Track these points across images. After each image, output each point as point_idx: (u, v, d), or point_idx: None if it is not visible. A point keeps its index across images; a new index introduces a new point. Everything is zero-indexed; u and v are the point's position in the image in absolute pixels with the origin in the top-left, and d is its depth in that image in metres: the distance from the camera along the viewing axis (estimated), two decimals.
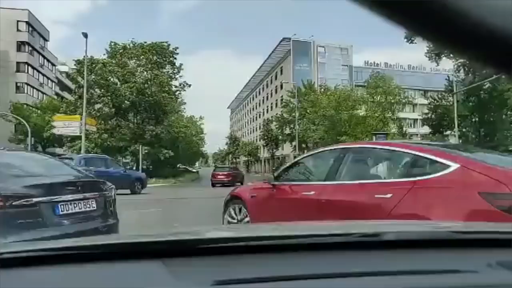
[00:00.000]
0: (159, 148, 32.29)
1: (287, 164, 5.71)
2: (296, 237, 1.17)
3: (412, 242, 1.09)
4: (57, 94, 55.38)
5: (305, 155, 5.94)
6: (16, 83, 49.58)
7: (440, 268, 0.94)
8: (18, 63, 49.94)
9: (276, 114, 58.43)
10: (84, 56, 26.17)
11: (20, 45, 50.25)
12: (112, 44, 33.54)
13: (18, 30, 50.13)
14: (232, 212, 5.49)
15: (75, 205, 3.79)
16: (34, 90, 51.71)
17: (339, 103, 39.03)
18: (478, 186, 3.08)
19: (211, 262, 0.96)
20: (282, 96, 59.83)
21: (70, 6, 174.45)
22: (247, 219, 5.21)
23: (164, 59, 34.96)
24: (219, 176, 27.55)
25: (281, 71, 67.77)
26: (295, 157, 47.63)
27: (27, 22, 50.63)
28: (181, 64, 35.61)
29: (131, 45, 33.89)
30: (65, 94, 50.16)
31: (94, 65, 31.00)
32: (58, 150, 43.37)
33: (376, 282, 0.89)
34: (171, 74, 35.06)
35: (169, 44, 34.84)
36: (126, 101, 31.39)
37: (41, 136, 39.11)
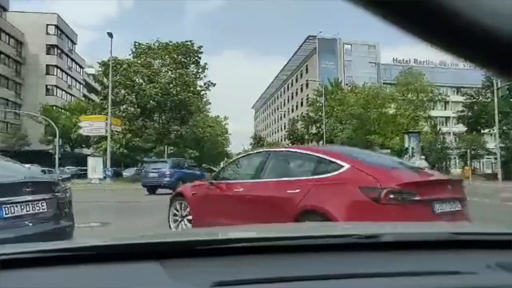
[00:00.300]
0: (184, 148, 31.99)
1: (223, 165, 6.67)
2: (295, 239, 1.16)
3: (411, 243, 1.09)
4: (84, 96, 56.26)
5: (237, 157, 6.69)
6: (46, 85, 50.64)
7: (439, 270, 0.95)
8: (47, 65, 50.99)
9: (302, 113, 57.46)
10: (109, 57, 26.08)
11: (49, 48, 51.30)
12: (137, 44, 33.48)
13: (47, 33, 51.19)
14: (178, 207, 6.12)
15: (23, 207, 3.63)
16: (63, 92, 52.69)
17: (368, 101, 37.81)
18: (359, 182, 3.94)
19: (209, 263, 0.97)
20: (307, 95, 58.82)
21: (97, 11, 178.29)
22: (189, 216, 5.86)
23: (188, 58, 34.67)
24: None
25: (307, 69, 66.74)
26: None
27: (56, 26, 51.63)
28: (205, 64, 35.24)
29: (156, 45, 33.74)
30: (92, 96, 50.82)
31: (119, 66, 31.00)
32: (86, 151, 43.95)
33: (375, 284, 0.89)
34: (195, 74, 34.69)
35: (193, 44, 34.51)
36: (151, 101, 31.22)
37: (69, 137, 39.65)
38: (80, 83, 59.30)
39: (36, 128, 42.35)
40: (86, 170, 27.31)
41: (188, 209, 5.94)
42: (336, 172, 4.24)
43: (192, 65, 35.11)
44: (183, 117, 33.34)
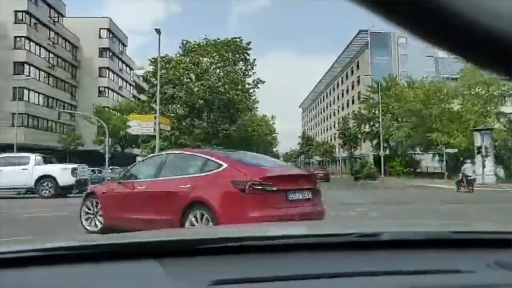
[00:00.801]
0: (233, 148, 30.99)
1: (131, 166, 7.41)
2: (294, 237, 1.17)
3: (410, 242, 1.09)
4: (134, 96, 57.22)
5: (144, 158, 7.38)
6: (99, 87, 51.93)
7: (439, 268, 0.95)
8: (100, 68, 52.27)
9: (353, 111, 55.04)
10: (158, 55, 25.54)
11: (102, 51, 52.56)
12: (185, 42, 32.95)
13: (100, 37, 52.48)
14: (90, 205, 6.72)
15: None
16: (114, 93, 53.83)
17: (428, 97, 34.90)
18: (233, 177, 5.05)
19: (208, 262, 0.96)
20: (359, 92, 56.33)
21: (146, 15, 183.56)
22: (101, 212, 6.51)
23: (237, 55, 33.69)
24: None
25: (358, 65, 63.90)
26: (374, 156, 44.19)
27: (108, 29, 52.83)
28: (254, 60, 34.10)
29: (204, 42, 33.04)
30: (142, 97, 51.48)
31: (168, 64, 30.54)
32: (136, 151, 44.36)
33: (375, 282, 0.90)
34: (244, 71, 33.61)
35: (242, 40, 33.46)
36: (199, 100, 30.50)
37: (120, 137, 40.06)
38: (130, 84, 60.46)
39: (90, 128, 43.34)
40: None
41: (99, 206, 6.57)
42: (217, 170, 5.28)
43: (241, 62, 34.11)
44: (231, 116, 32.36)
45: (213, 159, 5.51)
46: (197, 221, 5.05)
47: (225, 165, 5.27)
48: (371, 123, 45.22)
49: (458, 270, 0.93)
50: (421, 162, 45.41)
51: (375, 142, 44.82)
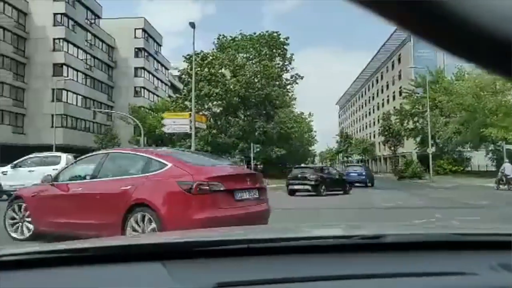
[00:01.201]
0: (271, 146, 29.60)
1: (65, 167, 7.19)
2: (297, 239, 1.17)
3: (413, 244, 1.09)
4: (169, 96, 57.13)
5: (78, 159, 6.92)
6: (135, 87, 52.09)
7: (441, 270, 0.95)
8: (136, 68, 52.42)
9: (394, 107, 52.46)
10: (193, 50, 24.61)
11: (137, 51, 52.71)
12: (220, 36, 31.97)
13: (135, 37, 52.63)
14: (16, 210, 6.25)
15: None
16: (150, 93, 53.85)
17: (481, 89, 32.20)
18: (178, 177, 4.86)
19: (212, 264, 0.97)
20: (401, 87, 53.68)
21: (181, 16, 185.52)
22: (30, 218, 6.10)
23: (274, 51, 32.35)
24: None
25: (399, 59, 60.94)
26: (418, 154, 41.51)
27: (143, 29, 52.91)
28: (292, 55, 32.66)
29: (239, 37, 31.92)
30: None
31: (203, 61, 29.64)
32: None
33: (378, 285, 0.90)
34: (281, 67, 32.21)
35: (279, 35, 32.06)
36: (235, 97, 29.39)
37: (155, 136, 39.73)
38: (165, 84, 60.47)
39: (126, 129, 43.37)
40: None
41: (28, 211, 6.10)
42: (161, 170, 5.09)
43: (278, 58, 32.75)
44: (268, 112, 31.07)
45: (156, 158, 5.27)
46: (138, 225, 4.80)
47: (169, 164, 5.07)
48: (415, 119, 42.59)
49: (461, 272, 0.93)
50: (471, 160, 42.44)
51: (418, 139, 42.19)
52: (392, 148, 44.36)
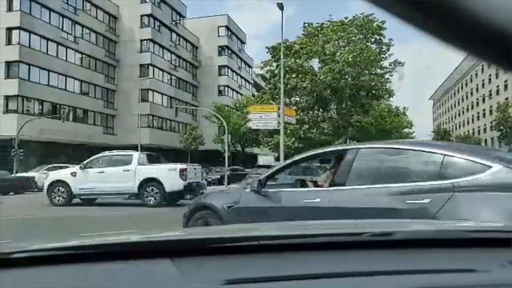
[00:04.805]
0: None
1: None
2: (307, 236, 1.17)
3: (423, 241, 1.10)
4: (253, 95, 55.66)
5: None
6: (218, 86, 51.40)
7: (452, 267, 0.95)
8: (219, 66, 51.73)
9: (506, 98, 45.17)
10: (281, 33, 22.01)
11: (220, 50, 52.00)
12: (307, 24, 29.01)
13: (218, 35, 51.97)
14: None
15: None
16: (234, 92, 52.80)
17: None
18: None
19: (221, 261, 0.97)
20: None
21: (263, 20, 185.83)
22: None
23: (368, 36, 28.58)
24: None
25: None
26: None
27: (226, 27, 52.06)
28: (390, 40, 28.57)
29: (328, 24, 28.70)
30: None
31: (289, 50, 26.99)
32: (256, 150, 42.12)
33: (387, 281, 0.91)
34: (378, 53, 28.28)
35: (375, 18, 28.20)
36: (325, 89, 26.26)
37: (240, 136, 38.15)
38: (249, 82, 59.18)
39: (211, 128, 42.56)
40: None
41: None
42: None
43: (373, 45, 28.89)
44: (363, 105, 27.41)
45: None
46: None
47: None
48: None
49: (472, 269, 0.92)
50: None
51: None
52: (511, 145, 37.71)
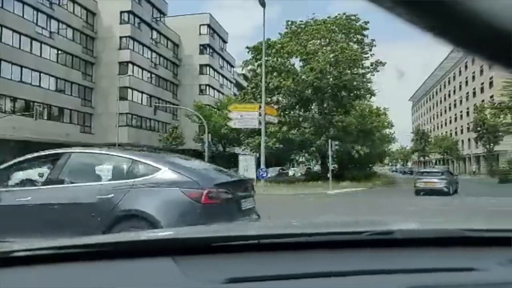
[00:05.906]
0: (351, 143, 25.83)
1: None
2: (308, 235, 1.17)
3: (424, 240, 1.10)
4: (235, 94, 55.20)
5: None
6: (200, 85, 50.71)
7: (452, 266, 0.96)
8: (200, 65, 51.05)
9: (482, 100, 46.09)
10: (263, 31, 21.63)
11: (202, 48, 51.33)
12: (289, 22, 28.79)
13: (200, 34, 51.28)
14: None
15: None
16: (215, 91, 52.23)
17: None
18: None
19: (223, 260, 0.97)
20: (491, 78, 47.07)
21: (247, 20, 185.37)
22: None
23: (351, 36, 28.52)
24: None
25: None
26: None
27: (208, 25, 51.42)
28: (372, 40, 28.59)
29: (311, 22, 28.52)
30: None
31: (270, 49, 26.68)
32: (238, 150, 41.71)
33: (387, 280, 0.91)
34: (360, 53, 28.24)
35: (358, 18, 28.16)
36: (307, 88, 26.05)
37: (221, 136, 37.66)
38: (231, 82, 58.67)
39: (191, 127, 41.94)
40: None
41: None
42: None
43: (355, 45, 28.86)
44: (345, 105, 27.32)
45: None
46: None
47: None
48: None
49: (471, 268, 0.93)
50: None
51: None
52: (488, 146, 38.37)
